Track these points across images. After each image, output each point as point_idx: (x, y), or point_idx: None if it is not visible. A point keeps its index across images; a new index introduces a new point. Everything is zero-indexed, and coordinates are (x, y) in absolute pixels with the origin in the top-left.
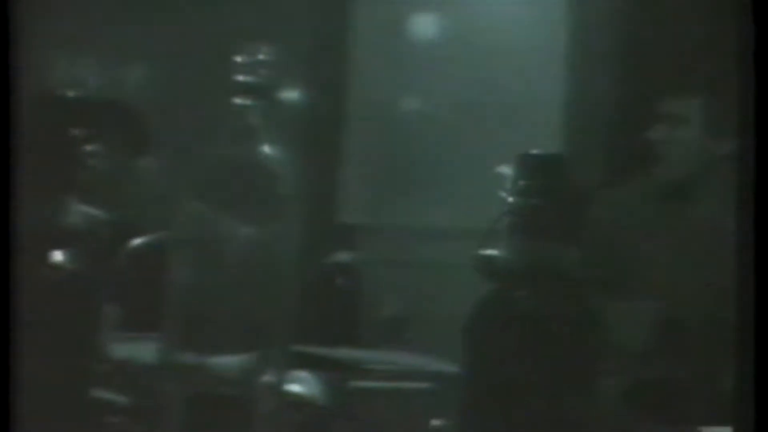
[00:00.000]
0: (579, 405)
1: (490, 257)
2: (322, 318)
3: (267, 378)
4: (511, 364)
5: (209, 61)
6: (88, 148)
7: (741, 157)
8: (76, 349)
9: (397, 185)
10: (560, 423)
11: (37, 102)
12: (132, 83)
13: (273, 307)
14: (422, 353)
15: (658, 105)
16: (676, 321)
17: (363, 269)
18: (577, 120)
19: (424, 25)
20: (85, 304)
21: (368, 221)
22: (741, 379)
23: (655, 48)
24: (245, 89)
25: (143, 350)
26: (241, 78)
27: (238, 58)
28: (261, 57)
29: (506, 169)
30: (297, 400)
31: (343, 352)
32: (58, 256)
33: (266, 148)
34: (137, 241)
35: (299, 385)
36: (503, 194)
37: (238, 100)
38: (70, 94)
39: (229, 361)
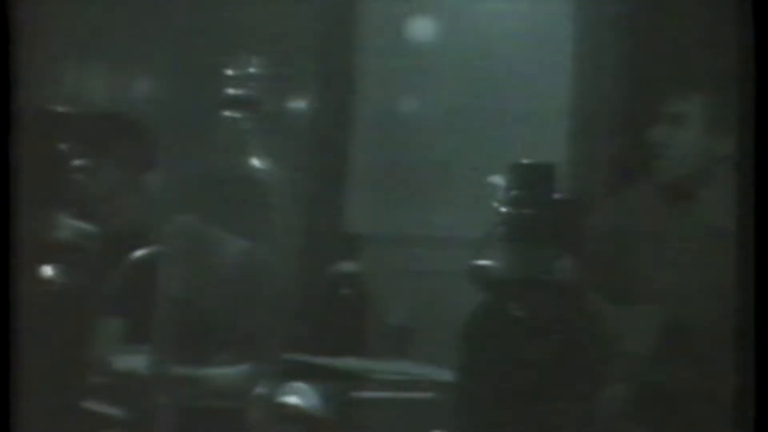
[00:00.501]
0: (577, 412)
1: (484, 267)
2: (326, 327)
3: (262, 390)
4: (505, 372)
5: (209, 72)
6: (86, 163)
7: (741, 157)
8: (70, 363)
9: (403, 194)
10: (557, 430)
11: (33, 117)
12: (134, 96)
13: (267, 318)
14: (427, 362)
15: (659, 105)
16: (679, 325)
17: (368, 278)
18: (582, 125)
19: (430, 35)
20: (79, 317)
21: (373, 230)
22: (742, 381)
23: (655, 48)
24: (237, 101)
25: (139, 362)
26: (232, 91)
27: (245, 70)
28: (256, 70)
29: (499, 179)
30: (295, 413)
31: (348, 362)
32: (49, 270)
33: (262, 161)
34: (137, 254)
35: (297, 396)
36: (495, 204)
37: (227, 113)
38: (66, 109)
39: (224, 373)
